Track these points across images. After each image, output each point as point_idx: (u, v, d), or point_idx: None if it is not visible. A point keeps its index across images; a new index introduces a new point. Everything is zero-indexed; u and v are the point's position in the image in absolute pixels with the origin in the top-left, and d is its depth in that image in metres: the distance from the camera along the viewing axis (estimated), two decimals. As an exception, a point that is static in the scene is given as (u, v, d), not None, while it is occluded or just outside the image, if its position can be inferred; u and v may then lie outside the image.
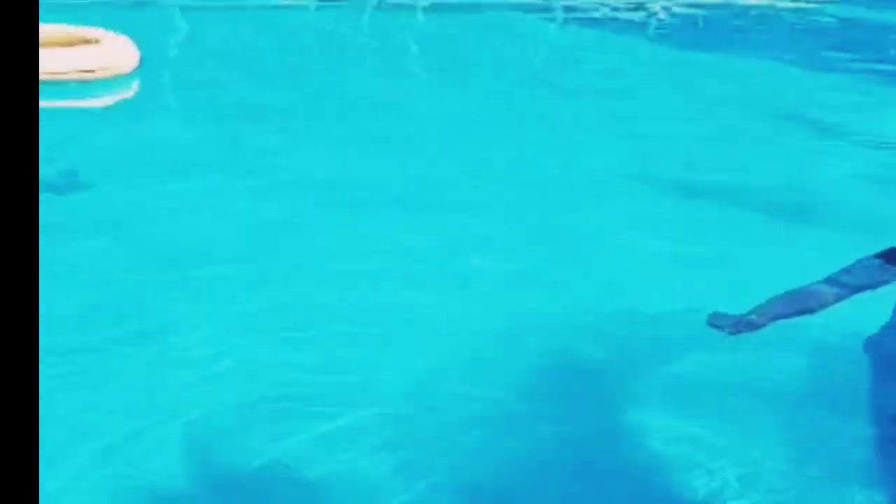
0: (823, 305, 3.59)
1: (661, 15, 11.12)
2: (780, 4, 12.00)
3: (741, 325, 3.60)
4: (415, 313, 3.91)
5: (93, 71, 6.53)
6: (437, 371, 3.49)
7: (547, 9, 11.01)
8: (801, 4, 12.03)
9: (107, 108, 6.52)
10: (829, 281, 3.68)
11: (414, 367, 3.51)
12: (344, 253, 4.42)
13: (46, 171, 5.00)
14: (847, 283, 3.62)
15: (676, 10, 11.36)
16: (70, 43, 6.72)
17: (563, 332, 3.84)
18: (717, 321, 3.71)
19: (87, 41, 6.77)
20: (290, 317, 3.81)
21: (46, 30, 6.86)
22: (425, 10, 10.47)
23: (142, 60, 6.77)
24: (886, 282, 3.56)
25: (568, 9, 11.07)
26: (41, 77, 6.21)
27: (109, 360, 3.44)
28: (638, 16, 11.02)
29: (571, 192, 5.40)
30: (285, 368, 3.46)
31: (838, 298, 3.60)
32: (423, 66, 8.55)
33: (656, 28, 10.52)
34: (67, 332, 3.55)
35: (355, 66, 8.15)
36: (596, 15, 11.04)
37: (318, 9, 10.19)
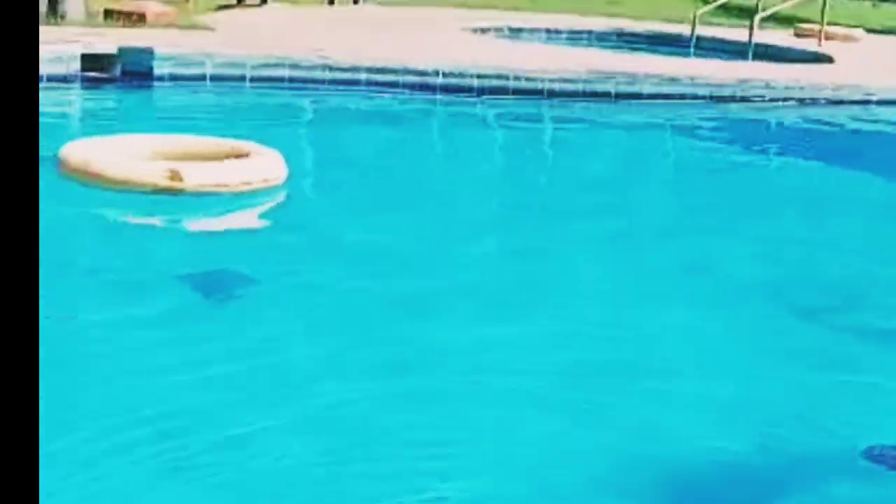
0: None
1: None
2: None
3: None
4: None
5: (245, 184, 6.59)
6: None
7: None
8: None
9: (258, 220, 6.56)
10: None
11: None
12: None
13: (196, 281, 5.00)
14: None
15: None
16: (221, 156, 6.81)
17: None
18: None
19: (237, 154, 6.85)
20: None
21: (195, 143, 6.98)
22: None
23: (290, 174, 6.81)
24: None
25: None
26: (191, 189, 6.32)
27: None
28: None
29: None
30: None
31: None
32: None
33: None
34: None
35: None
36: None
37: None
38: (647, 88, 10.84)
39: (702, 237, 6.64)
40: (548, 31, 15.43)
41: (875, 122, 11.34)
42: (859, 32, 16.83)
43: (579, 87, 10.59)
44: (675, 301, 5.37)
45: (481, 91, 10.25)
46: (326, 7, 15.41)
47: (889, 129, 11.28)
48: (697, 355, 4.69)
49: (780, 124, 11.15)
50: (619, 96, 10.64)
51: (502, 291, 5.36)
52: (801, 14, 16.95)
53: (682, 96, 10.94)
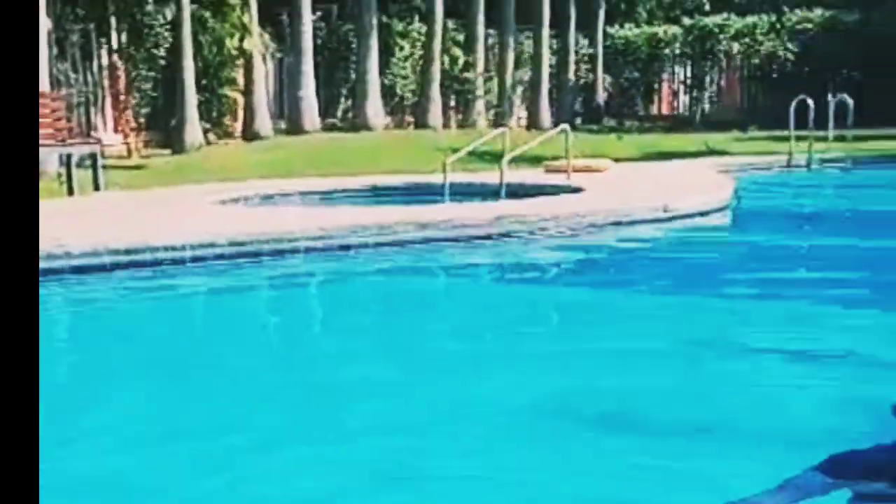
0: None
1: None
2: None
3: None
4: None
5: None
6: None
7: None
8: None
9: None
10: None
11: None
12: None
13: None
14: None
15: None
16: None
17: None
18: None
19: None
20: None
21: None
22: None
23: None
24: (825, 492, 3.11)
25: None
26: None
27: None
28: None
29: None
30: None
31: None
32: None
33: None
34: None
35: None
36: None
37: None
38: (402, 235, 10.66)
39: (472, 371, 6.32)
40: (301, 193, 15.25)
41: (630, 241, 11.58)
42: (606, 162, 17.45)
43: (320, 243, 10.29)
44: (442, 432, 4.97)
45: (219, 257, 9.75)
46: (66, 197, 14.74)
47: (644, 246, 11.54)
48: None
49: (538, 254, 11.15)
50: (372, 245, 10.42)
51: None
52: (551, 152, 17.40)
53: (437, 240, 10.82)
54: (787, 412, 5.35)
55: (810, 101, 19.62)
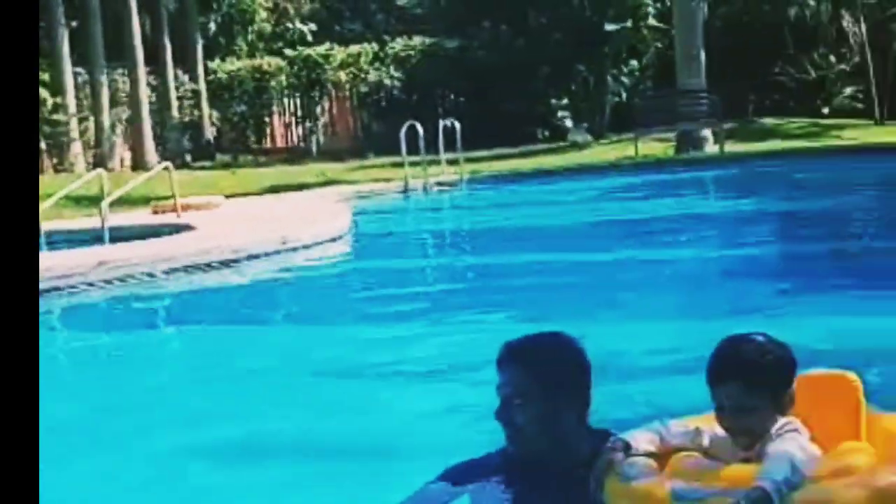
0: None
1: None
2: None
3: None
4: None
5: None
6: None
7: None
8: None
9: None
10: None
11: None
12: None
13: None
14: None
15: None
16: None
17: None
18: None
19: None
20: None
21: None
22: None
23: None
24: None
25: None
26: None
27: None
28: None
29: None
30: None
31: None
32: None
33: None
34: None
35: None
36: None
37: None
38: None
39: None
40: None
41: (245, 275, 11.12)
42: (218, 199, 16.80)
43: None
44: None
45: None
46: None
47: (265, 276, 11.08)
48: None
49: (142, 298, 10.37)
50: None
51: None
52: (162, 191, 16.37)
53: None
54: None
55: (419, 127, 19.68)
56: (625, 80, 29.81)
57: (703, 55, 24.51)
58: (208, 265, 10.98)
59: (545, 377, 3.27)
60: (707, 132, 24.09)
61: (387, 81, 30.35)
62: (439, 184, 19.98)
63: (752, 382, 3.03)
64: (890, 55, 28.36)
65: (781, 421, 3.06)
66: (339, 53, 30.57)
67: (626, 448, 3.08)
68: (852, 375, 3.26)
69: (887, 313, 7.13)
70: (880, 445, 3.09)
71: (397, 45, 30.94)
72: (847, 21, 29.46)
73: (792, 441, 2.95)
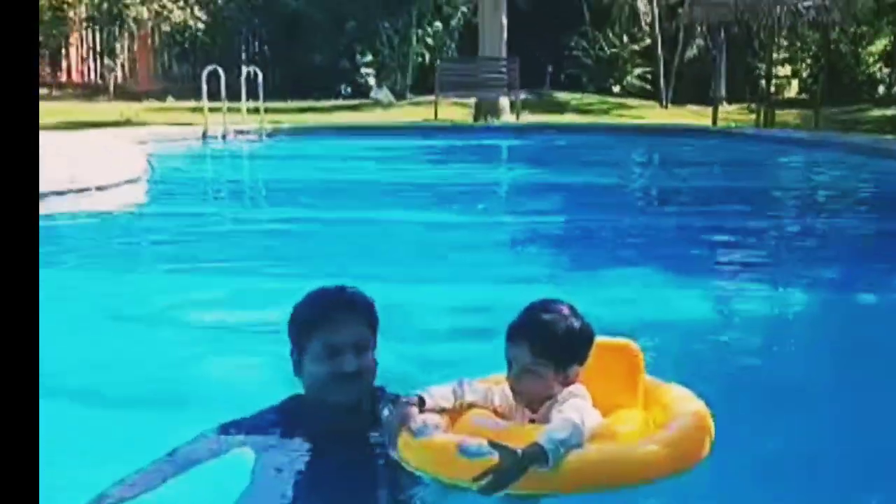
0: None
1: None
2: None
3: None
4: None
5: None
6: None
7: None
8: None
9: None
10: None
11: None
12: None
13: None
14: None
15: None
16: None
17: None
18: None
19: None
20: None
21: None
22: None
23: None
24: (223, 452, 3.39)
25: None
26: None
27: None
28: None
29: None
30: None
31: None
32: None
33: None
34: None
35: None
36: None
37: None
38: None
39: None
40: None
41: None
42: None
43: None
44: None
45: None
46: None
47: (50, 217, 10.49)
48: None
49: None
50: None
51: None
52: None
53: None
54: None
55: (221, 72, 19.39)
56: (429, 41, 30.06)
57: (504, 23, 24.93)
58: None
59: (376, 325, 3.50)
60: (505, 101, 24.59)
61: (191, 23, 29.68)
62: (239, 132, 19.79)
63: (539, 347, 3.19)
64: (678, 39, 29.53)
65: (569, 388, 3.24)
66: (143, -11, 29.69)
67: (422, 403, 3.22)
68: (634, 345, 3.47)
69: (665, 285, 7.56)
70: (655, 413, 3.34)
71: (203, -16, 30.29)
72: (641, 2, 30.47)
73: (574, 408, 3.12)
